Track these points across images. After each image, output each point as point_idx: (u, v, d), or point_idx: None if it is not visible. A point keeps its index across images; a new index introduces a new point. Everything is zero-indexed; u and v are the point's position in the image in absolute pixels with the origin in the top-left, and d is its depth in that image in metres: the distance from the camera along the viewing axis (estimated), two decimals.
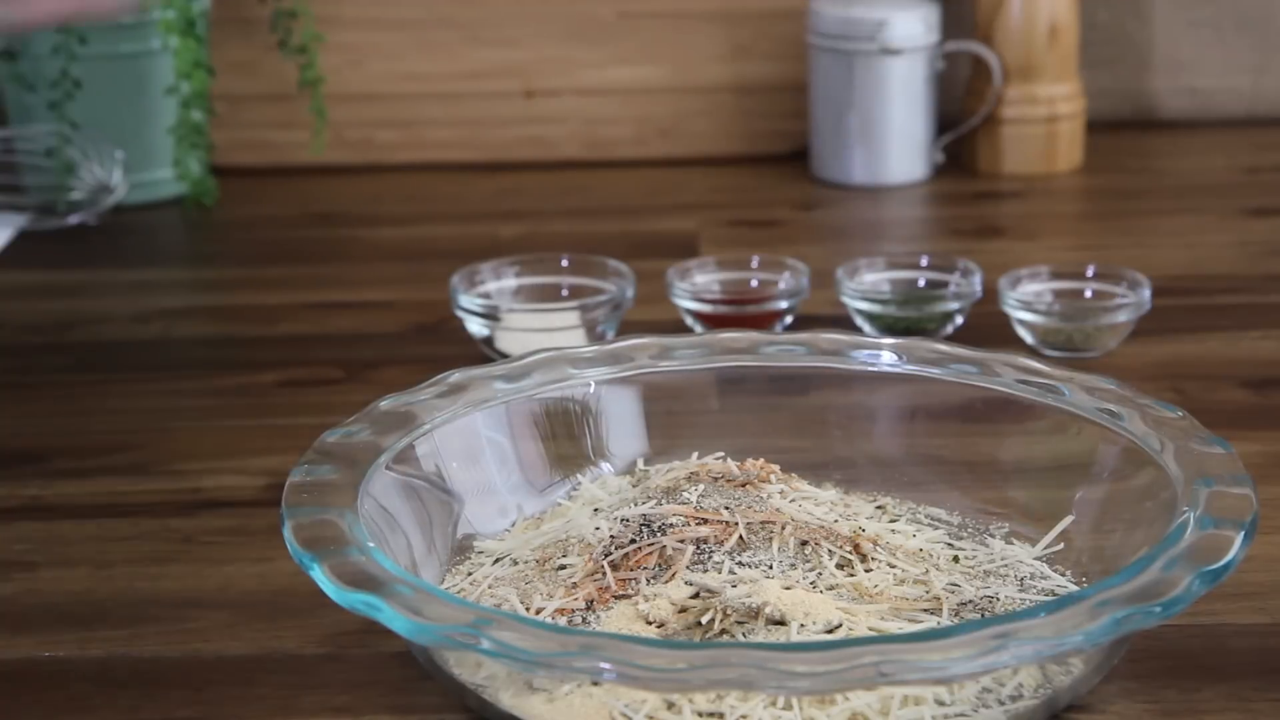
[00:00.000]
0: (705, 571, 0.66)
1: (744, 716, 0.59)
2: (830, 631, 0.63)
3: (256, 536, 0.79)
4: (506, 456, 0.76)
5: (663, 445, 0.79)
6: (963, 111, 1.38)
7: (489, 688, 0.63)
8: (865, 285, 1.02)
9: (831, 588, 0.66)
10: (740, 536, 0.68)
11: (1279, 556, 0.74)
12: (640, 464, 0.79)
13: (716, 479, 0.73)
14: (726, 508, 0.70)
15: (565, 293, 1.03)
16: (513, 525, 0.75)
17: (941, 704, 0.60)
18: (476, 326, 0.99)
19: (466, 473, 0.74)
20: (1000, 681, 0.62)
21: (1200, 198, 1.32)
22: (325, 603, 0.60)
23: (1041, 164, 1.36)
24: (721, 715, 0.60)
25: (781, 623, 0.63)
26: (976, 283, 1.01)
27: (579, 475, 0.78)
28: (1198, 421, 0.70)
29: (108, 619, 0.72)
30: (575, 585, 0.67)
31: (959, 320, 1.01)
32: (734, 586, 0.64)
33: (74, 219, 1.29)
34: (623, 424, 0.79)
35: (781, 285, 1.03)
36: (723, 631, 0.63)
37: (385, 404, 0.74)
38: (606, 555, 0.68)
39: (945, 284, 1.03)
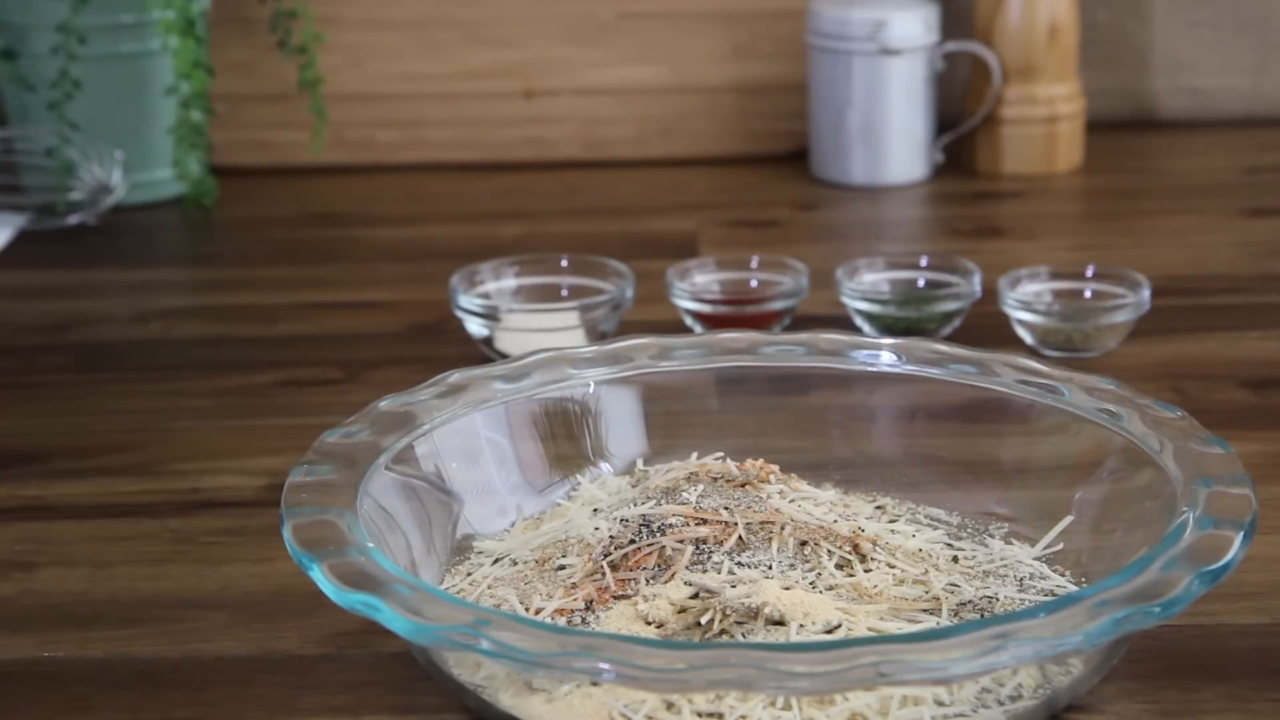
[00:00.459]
0: (705, 572, 0.66)
1: (743, 717, 0.59)
2: (830, 632, 0.63)
3: (256, 537, 0.79)
4: (506, 457, 0.76)
5: (662, 445, 0.79)
6: (962, 111, 1.38)
7: (488, 688, 0.63)
8: (865, 285, 1.02)
9: (831, 588, 0.66)
10: (740, 537, 0.68)
11: (1279, 556, 0.74)
12: (640, 464, 0.79)
13: (716, 479, 0.73)
14: (726, 508, 0.70)
15: (565, 293, 1.03)
16: (512, 525, 0.75)
17: (941, 704, 0.60)
18: (476, 327, 0.99)
19: (466, 473, 0.74)
20: (1000, 682, 0.62)
21: (1200, 198, 1.32)
22: (325, 603, 0.60)
23: (1041, 164, 1.36)
24: (721, 715, 0.60)
25: (781, 623, 0.63)
26: (976, 283, 1.01)
27: (578, 475, 0.78)
28: (1197, 421, 0.70)
29: (107, 619, 0.72)
30: (575, 585, 0.67)
31: (958, 320, 1.01)
32: (733, 587, 0.64)
33: (74, 219, 1.29)
34: (622, 424, 0.79)
35: (781, 285, 1.03)
36: (722, 632, 0.63)
37: (385, 404, 0.74)
38: (606, 555, 0.68)
39: (945, 284, 1.03)
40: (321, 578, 0.60)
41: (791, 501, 0.73)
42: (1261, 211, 1.28)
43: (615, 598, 0.65)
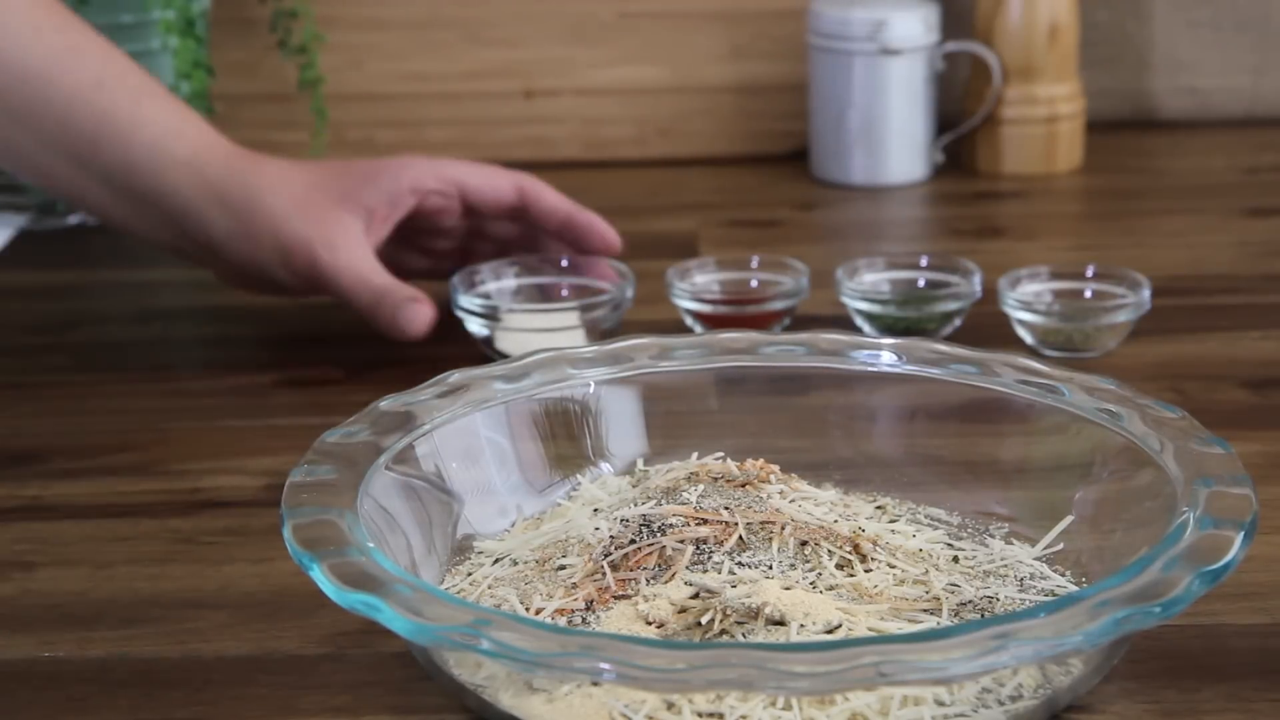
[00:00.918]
0: (705, 572, 0.66)
1: (744, 717, 0.59)
2: (830, 632, 0.63)
3: (256, 536, 0.79)
4: (506, 457, 0.76)
5: (662, 445, 0.79)
6: (963, 111, 1.38)
7: (489, 688, 0.63)
8: (865, 285, 1.02)
9: (831, 588, 0.66)
10: (740, 537, 0.68)
11: (1279, 556, 0.74)
12: (640, 464, 0.79)
13: (716, 479, 0.73)
14: (726, 508, 0.70)
15: (565, 293, 1.03)
16: (512, 526, 0.75)
17: (941, 704, 0.60)
18: (476, 327, 0.99)
19: (466, 473, 0.74)
20: (1000, 682, 0.62)
21: (1200, 198, 1.32)
22: (325, 603, 0.60)
23: (1041, 164, 1.36)
24: (721, 715, 0.60)
25: (781, 623, 0.63)
26: (976, 283, 1.01)
27: (579, 475, 0.78)
28: (1197, 421, 0.70)
29: (107, 619, 0.72)
30: (575, 585, 0.67)
31: (959, 320, 1.01)
32: (734, 587, 0.64)
33: (74, 219, 1.29)
34: (622, 424, 0.79)
35: (781, 285, 1.03)
36: (722, 632, 0.63)
37: (385, 404, 0.74)
38: (606, 555, 0.68)
39: (945, 284, 1.03)
40: (322, 578, 0.60)
41: (792, 501, 0.73)
42: (1261, 211, 1.28)
43: (615, 598, 0.65)
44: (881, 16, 1.30)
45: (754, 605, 0.63)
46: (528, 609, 0.66)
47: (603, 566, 0.67)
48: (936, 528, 0.75)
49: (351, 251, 0.94)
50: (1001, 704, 0.61)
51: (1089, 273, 1.02)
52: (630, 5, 1.42)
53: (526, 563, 0.70)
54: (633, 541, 0.68)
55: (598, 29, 1.43)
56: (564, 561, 0.69)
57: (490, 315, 0.98)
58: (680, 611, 0.64)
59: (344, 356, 1.02)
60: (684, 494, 0.71)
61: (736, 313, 1.01)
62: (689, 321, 1.02)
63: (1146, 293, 0.99)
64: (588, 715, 0.60)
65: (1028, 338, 0.99)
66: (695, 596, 0.65)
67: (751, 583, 0.64)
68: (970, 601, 0.67)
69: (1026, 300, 0.98)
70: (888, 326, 1.00)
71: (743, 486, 0.72)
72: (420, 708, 0.65)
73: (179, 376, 1.00)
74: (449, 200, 0.99)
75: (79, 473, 0.87)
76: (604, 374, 0.79)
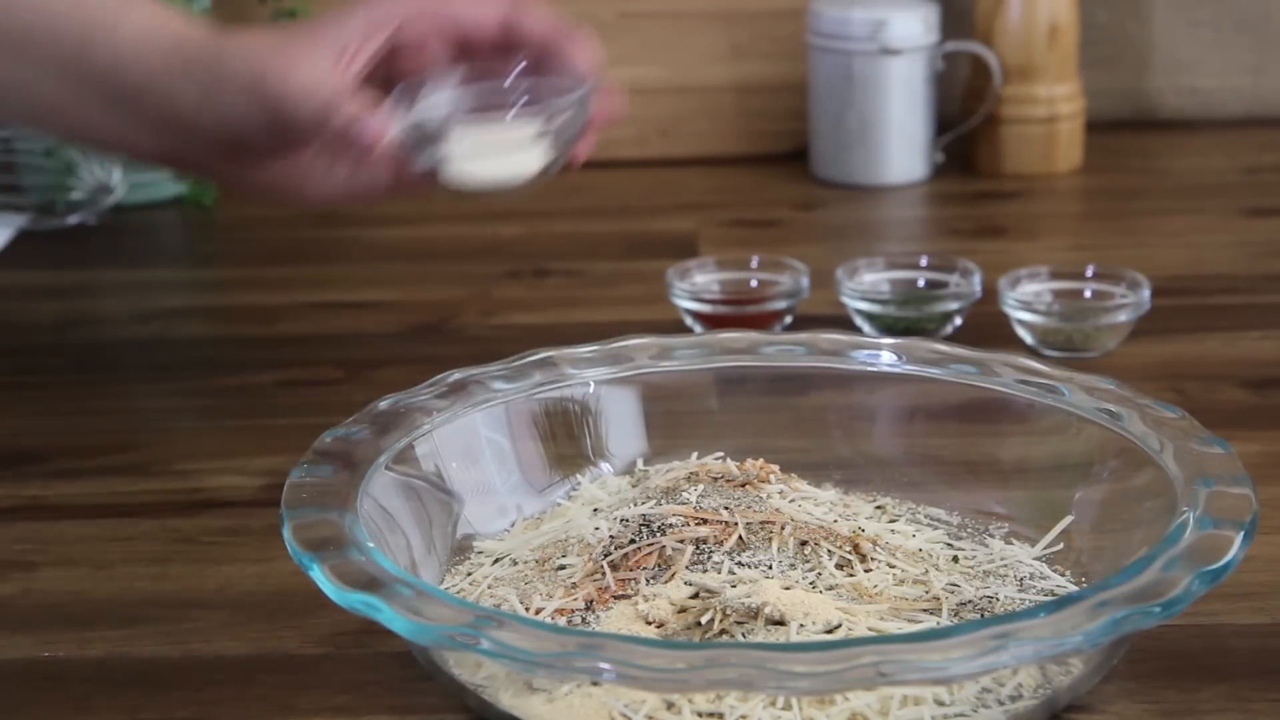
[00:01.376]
0: (705, 571, 0.66)
1: (744, 716, 0.59)
2: (830, 631, 0.63)
3: (256, 536, 0.79)
4: (506, 457, 0.76)
5: (662, 445, 0.79)
6: (963, 111, 1.38)
7: (489, 688, 0.63)
8: (865, 285, 1.02)
9: (831, 588, 0.66)
10: (740, 537, 0.68)
11: (1279, 556, 0.74)
12: (640, 464, 0.79)
13: (716, 479, 0.73)
14: (726, 508, 0.70)
15: (521, 99, 0.85)
16: (512, 525, 0.75)
17: (941, 704, 0.60)
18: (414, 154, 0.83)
19: (466, 473, 0.74)
20: (1000, 681, 0.62)
21: (1200, 198, 1.32)
22: (325, 603, 0.60)
23: (1041, 164, 1.36)
24: (721, 715, 0.60)
25: (781, 623, 0.63)
26: (976, 283, 1.01)
27: (578, 475, 0.78)
28: (1197, 421, 0.70)
29: (107, 619, 0.72)
30: (575, 585, 0.67)
31: (959, 320, 1.01)
32: (733, 586, 0.64)
33: (74, 219, 1.29)
34: (622, 424, 0.79)
35: (781, 285, 1.03)
36: (722, 631, 0.63)
37: (385, 404, 0.74)
38: (606, 555, 0.68)
39: (945, 284, 1.03)
40: (322, 577, 0.60)
41: (791, 501, 0.73)
42: (1261, 211, 1.28)
43: (615, 598, 0.66)
44: (881, 16, 1.30)
45: (754, 605, 0.63)
46: (528, 609, 0.66)
47: (603, 566, 0.67)
48: (936, 528, 0.75)
49: (303, 72, 0.82)
50: (1001, 704, 0.61)
51: (1089, 273, 1.02)
52: (630, 5, 1.42)
53: (526, 563, 0.70)
54: (633, 541, 0.68)
55: (597, 29, 1.41)
56: (564, 561, 0.69)
57: (428, 138, 0.82)
58: (680, 611, 0.64)
59: (344, 356, 1.02)
60: (684, 494, 0.71)
61: (736, 313, 1.01)
62: (689, 321, 1.02)
63: (1146, 293, 0.99)
64: (588, 715, 0.60)
65: (1028, 338, 0.99)
66: (695, 596, 0.65)
67: (751, 583, 0.65)
68: (970, 601, 0.67)
69: (1026, 300, 0.98)
70: (888, 326, 1.00)
71: (743, 486, 0.72)
72: (420, 708, 0.65)
73: (179, 376, 1.00)
74: (432, 28, 0.86)
75: (79, 473, 0.87)
76: (604, 374, 0.79)
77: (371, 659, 0.68)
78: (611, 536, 0.69)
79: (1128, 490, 0.70)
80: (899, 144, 1.34)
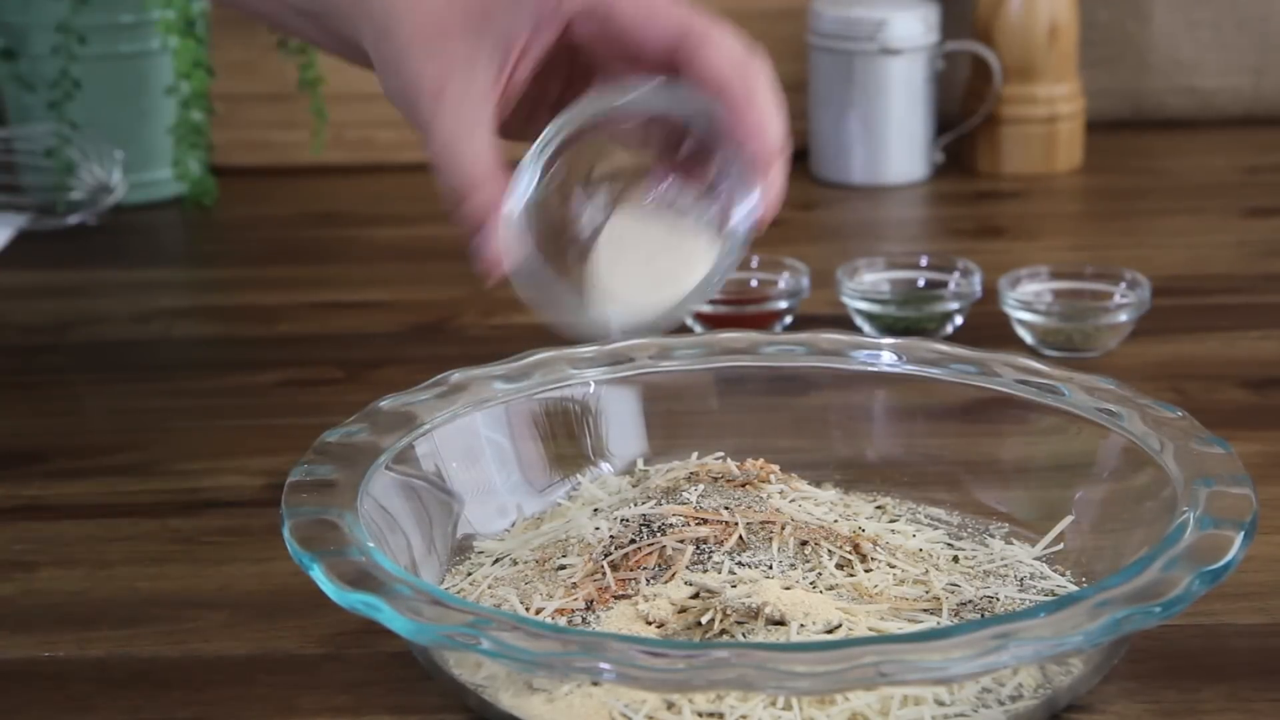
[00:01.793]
0: (705, 572, 0.66)
1: (744, 716, 0.59)
2: (830, 632, 0.63)
3: (256, 536, 0.79)
4: (506, 456, 0.76)
5: (662, 445, 0.79)
6: (963, 111, 1.38)
7: (489, 688, 0.63)
8: (865, 285, 1.02)
9: (831, 588, 0.66)
10: (740, 537, 0.68)
11: (1279, 556, 0.74)
12: (640, 464, 0.79)
13: (716, 479, 0.73)
14: (726, 508, 0.70)
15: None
16: (512, 525, 0.75)
17: (941, 704, 0.60)
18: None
19: (466, 473, 0.74)
20: (1000, 681, 0.62)
21: (1200, 198, 1.32)
22: (325, 603, 0.60)
23: (1041, 164, 1.36)
24: (721, 715, 0.60)
25: (781, 623, 0.63)
26: (976, 283, 1.01)
27: (579, 475, 0.78)
28: (1197, 421, 0.70)
29: (107, 619, 0.72)
30: (575, 585, 0.67)
31: (959, 320, 1.01)
32: (734, 586, 0.64)
33: (74, 219, 1.29)
34: (622, 424, 0.79)
35: (781, 285, 1.03)
36: (723, 631, 0.63)
37: (385, 404, 0.74)
38: (606, 555, 0.68)
39: (945, 284, 1.03)
40: (322, 577, 0.60)
41: (792, 501, 0.73)
42: (1261, 211, 1.28)
43: (616, 597, 0.65)
44: (881, 16, 1.30)
45: (754, 605, 0.63)
46: (528, 609, 0.66)
47: (603, 566, 0.67)
48: (936, 527, 0.75)
49: (458, 112, 0.72)
50: (1001, 704, 0.61)
51: (1089, 273, 1.02)
52: None
53: (526, 563, 0.70)
54: (633, 541, 0.68)
55: None
56: (564, 561, 0.69)
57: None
58: (680, 611, 0.64)
59: (344, 356, 1.02)
60: (684, 494, 0.71)
61: (736, 313, 1.01)
62: (689, 321, 1.02)
63: (1146, 293, 0.99)
64: (588, 715, 0.60)
65: (1028, 338, 0.99)
66: (695, 596, 0.65)
67: (751, 582, 0.64)
68: (970, 601, 0.67)
69: (1026, 300, 0.98)
70: (888, 326, 1.00)
71: (743, 486, 0.72)
72: (420, 707, 0.65)
73: (179, 376, 1.00)
74: (599, 33, 0.72)
75: (79, 473, 0.87)
76: (604, 374, 0.79)
77: (372, 659, 0.68)
78: (612, 536, 0.69)
79: (1128, 490, 0.70)
80: (899, 144, 1.34)
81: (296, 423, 0.91)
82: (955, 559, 0.71)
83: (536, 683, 0.62)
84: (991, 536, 0.74)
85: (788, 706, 0.60)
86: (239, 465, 0.87)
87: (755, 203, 0.67)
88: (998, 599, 0.67)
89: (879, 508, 0.76)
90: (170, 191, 1.35)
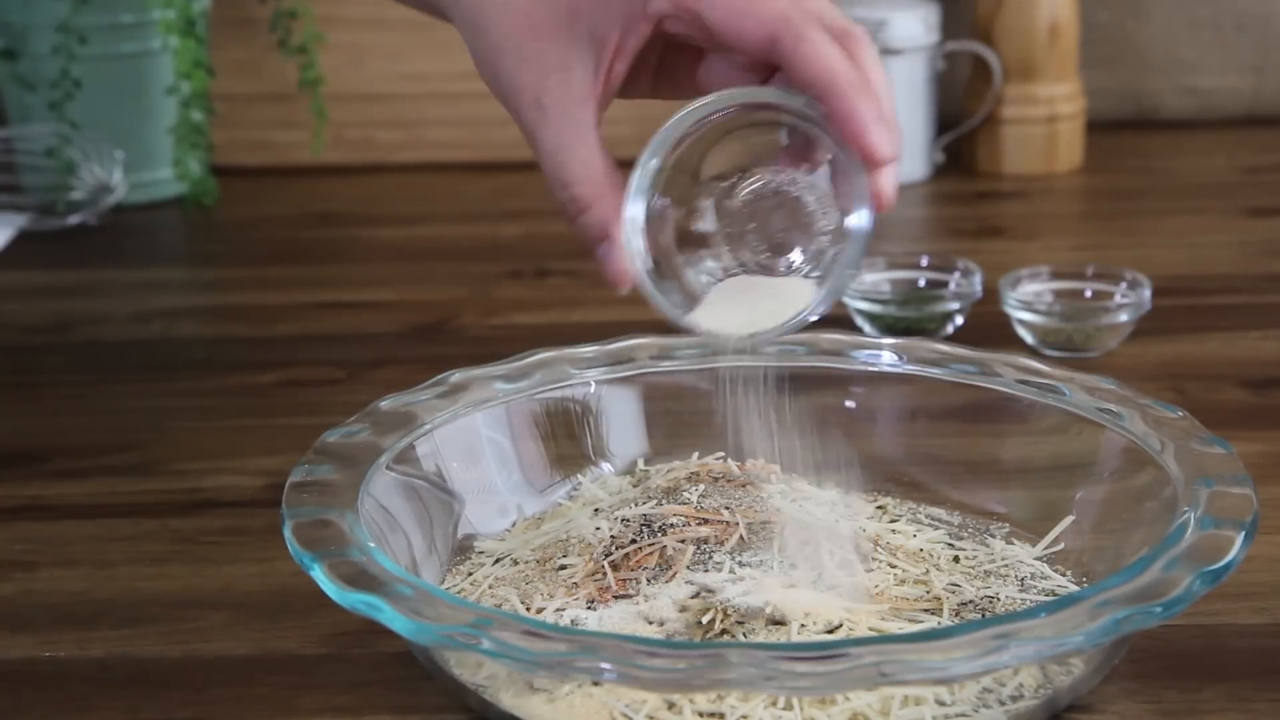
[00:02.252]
0: (706, 571, 0.66)
1: (744, 716, 0.59)
2: (830, 631, 0.63)
3: (256, 536, 0.79)
4: (507, 456, 0.76)
5: (663, 445, 0.79)
6: (963, 111, 1.38)
7: (489, 688, 0.63)
8: (865, 285, 1.02)
9: (832, 588, 0.66)
10: (741, 536, 0.68)
11: (1279, 556, 0.74)
12: (640, 464, 0.79)
13: (717, 479, 0.73)
14: (727, 508, 0.70)
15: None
16: (513, 525, 0.75)
17: (942, 704, 0.60)
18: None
19: (467, 473, 0.74)
20: (1001, 681, 0.62)
21: (1200, 198, 1.32)
22: (325, 603, 0.60)
23: (1041, 164, 1.36)
24: (722, 715, 0.60)
25: (782, 623, 0.63)
26: (976, 283, 1.01)
27: (579, 475, 0.78)
28: (1198, 421, 0.70)
29: (108, 619, 0.72)
30: (575, 585, 0.67)
31: (959, 320, 1.01)
32: (734, 586, 0.64)
33: (74, 219, 1.29)
34: (623, 424, 0.79)
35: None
36: (723, 631, 0.63)
37: (385, 404, 0.74)
38: (607, 555, 0.68)
39: (945, 284, 1.03)
40: (323, 577, 0.60)
41: (792, 501, 0.73)
42: (1261, 211, 1.28)
43: (616, 597, 0.65)
44: (881, 16, 1.30)
45: (755, 605, 0.63)
46: (528, 609, 0.66)
47: (603, 566, 0.67)
48: (937, 528, 0.75)
49: (562, 119, 0.70)
50: (1002, 704, 0.61)
51: (1089, 273, 1.02)
52: None
53: (527, 562, 0.70)
54: (633, 541, 0.68)
55: None
56: (565, 561, 0.69)
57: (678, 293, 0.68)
58: (681, 611, 0.64)
59: (344, 356, 1.02)
60: (685, 494, 0.71)
61: None
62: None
63: (1146, 293, 0.99)
64: (588, 715, 0.60)
65: (1028, 338, 0.99)
66: (696, 596, 0.65)
67: (752, 582, 0.64)
68: (971, 601, 0.67)
69: (1027, 300, 0.98)
70: (888, 326, 1.00)
71: (743, 486, 0.72)
72: (421, 707, 0.65)
73: (179, 376, 1.00)
74: (688, 31, 0.68)
75: (79, 473, 0.87)
76: (604, 374, 0.79)
77: (372, 659, 0.68)
78: (612, 536, 0.69)
79: (1128, 490, 0.70)
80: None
81: (296, 423, 0.91)
82: (956, 559, 0.71)
83: (537, 683, 0.62)
84: (992, 536, 0.74)
85: (788, 706, 0.60)
86: (239, 465, 0.87)
87: (864, 214, 0.63)
88: (998, 599, 0.67)
89: (880, 508, 0.76)
90: (170, 191, 1.35)
